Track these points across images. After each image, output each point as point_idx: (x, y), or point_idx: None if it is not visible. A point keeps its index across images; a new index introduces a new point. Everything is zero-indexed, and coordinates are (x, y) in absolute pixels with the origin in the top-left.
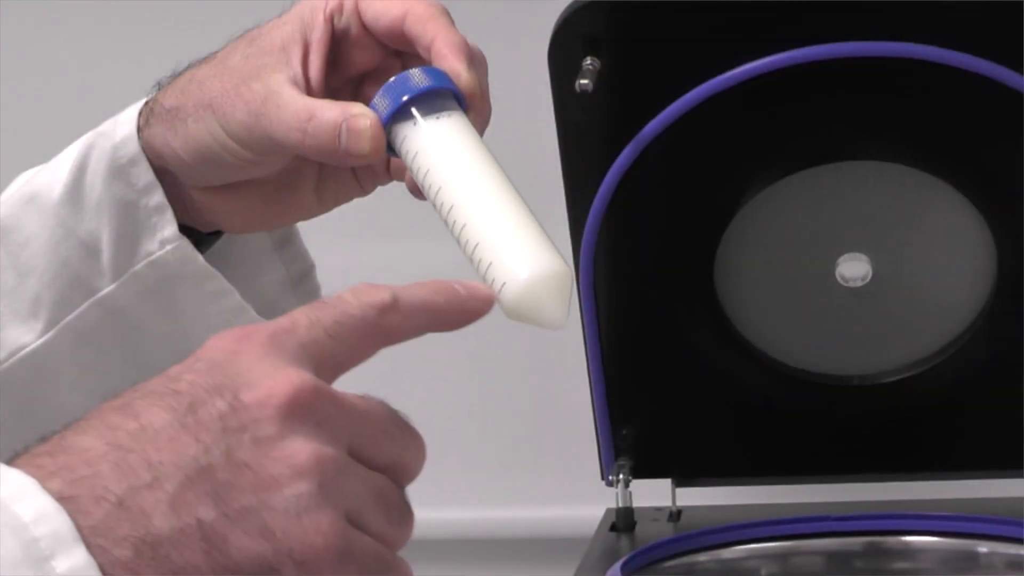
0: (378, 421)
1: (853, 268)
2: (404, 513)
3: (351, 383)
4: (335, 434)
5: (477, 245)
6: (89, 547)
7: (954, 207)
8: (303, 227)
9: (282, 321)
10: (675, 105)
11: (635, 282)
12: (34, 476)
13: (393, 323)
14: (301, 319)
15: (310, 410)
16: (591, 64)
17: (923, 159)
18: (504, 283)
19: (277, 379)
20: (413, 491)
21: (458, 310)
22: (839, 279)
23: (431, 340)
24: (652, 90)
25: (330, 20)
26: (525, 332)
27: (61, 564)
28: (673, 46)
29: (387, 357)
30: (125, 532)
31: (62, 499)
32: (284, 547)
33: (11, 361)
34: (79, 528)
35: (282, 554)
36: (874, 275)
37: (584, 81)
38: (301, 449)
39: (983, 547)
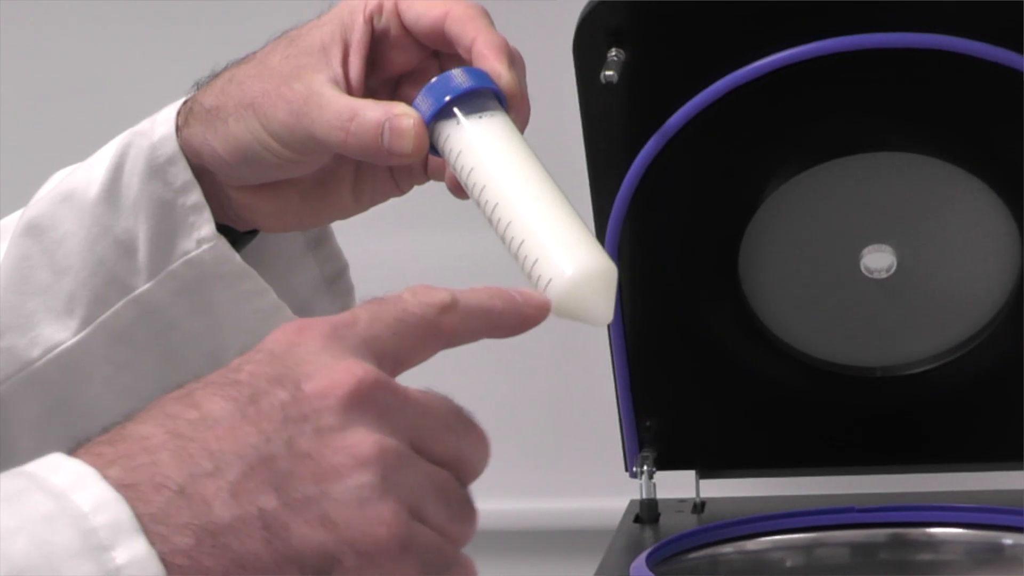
0: (441, 415)
1: (877, 260)
2: (467, 509)
3: None
4: (397, 426)
5: (522, 242)
6: (149, 535)
7: (979, 198)
8: (337, 223)
9: (343, 316)
10: (699, 97)
11: (659, 274)
12: (93, 465)
13: (451, 324)
14: (362, 314)
15: (372, 401)
16: (616, 56)
17: (948, 150)
18: (550, 280)
19: (339, 370)
20: None
21: (514, 316)
22: (863, 271)
23: None
24: (676, 82)
25: (370, 21)
26: (550, 324)
27: (120, 555)
28: (697, 38)
29: None
30: (185, 520)
31: (122, 487)
32: (346, 537)
33: (46, 359)
34: (139, 516)
35: (343, 544)
36: (898, 267)
37: (609, 73)
38: (363, 439)
39: (1008, 539)
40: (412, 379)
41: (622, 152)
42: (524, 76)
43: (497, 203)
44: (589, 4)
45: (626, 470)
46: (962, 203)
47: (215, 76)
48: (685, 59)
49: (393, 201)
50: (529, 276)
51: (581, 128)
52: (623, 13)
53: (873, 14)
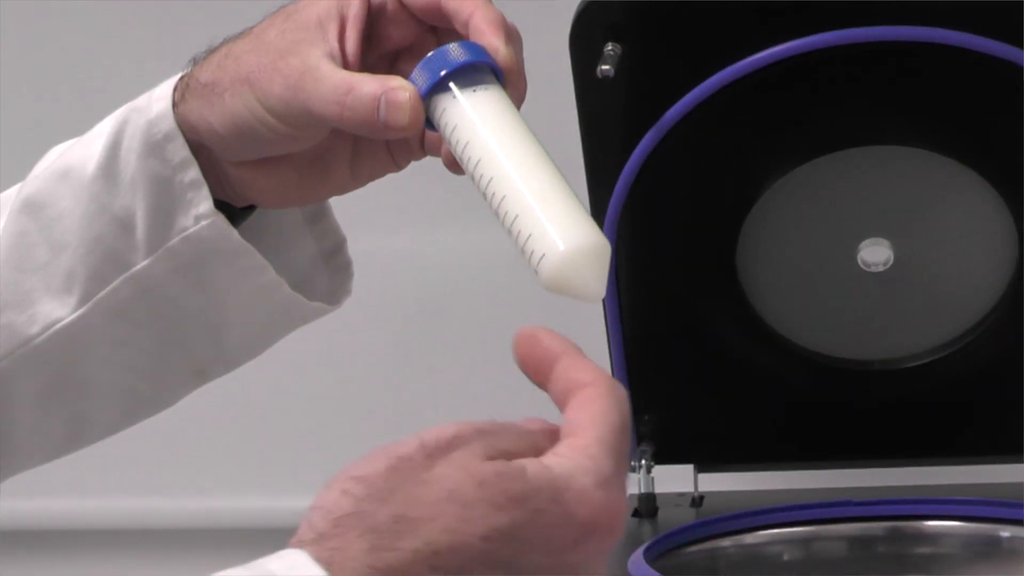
0: None
1: (875, 253)
2: None
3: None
4: None
5: (516, 217)
6: None
7: (976, 192)
8: (340, 220)
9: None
10: (696, 91)
11: (657, 268)
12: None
13: None
14: None
15: None
16: (612, 50)
17: (945, 144)
18: (543, 255)
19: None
20: None
21: None
22: (861, 264)
23: (447, 326)
24: (673, 76)
25: None
26: (546, 315)
27: None
28: (694, 32)
29: (405, 348)
30: None
31: None
32: None
33: (45, 336)
34: None
35: None
36: (896, 260)
37: (605, 67)
38: None
39: (1006, 531)
40: (409, 380)
41: (619, 147)
42: (521, 51)
43: (492, 178)
44: None
45: None
46: (959, 197)
47: (212, 51)
48: (681, 54)
49: (395, 198)
50: (522, 251)
51: (578, 123)
52: (619, 8)
53: (870, 8)
